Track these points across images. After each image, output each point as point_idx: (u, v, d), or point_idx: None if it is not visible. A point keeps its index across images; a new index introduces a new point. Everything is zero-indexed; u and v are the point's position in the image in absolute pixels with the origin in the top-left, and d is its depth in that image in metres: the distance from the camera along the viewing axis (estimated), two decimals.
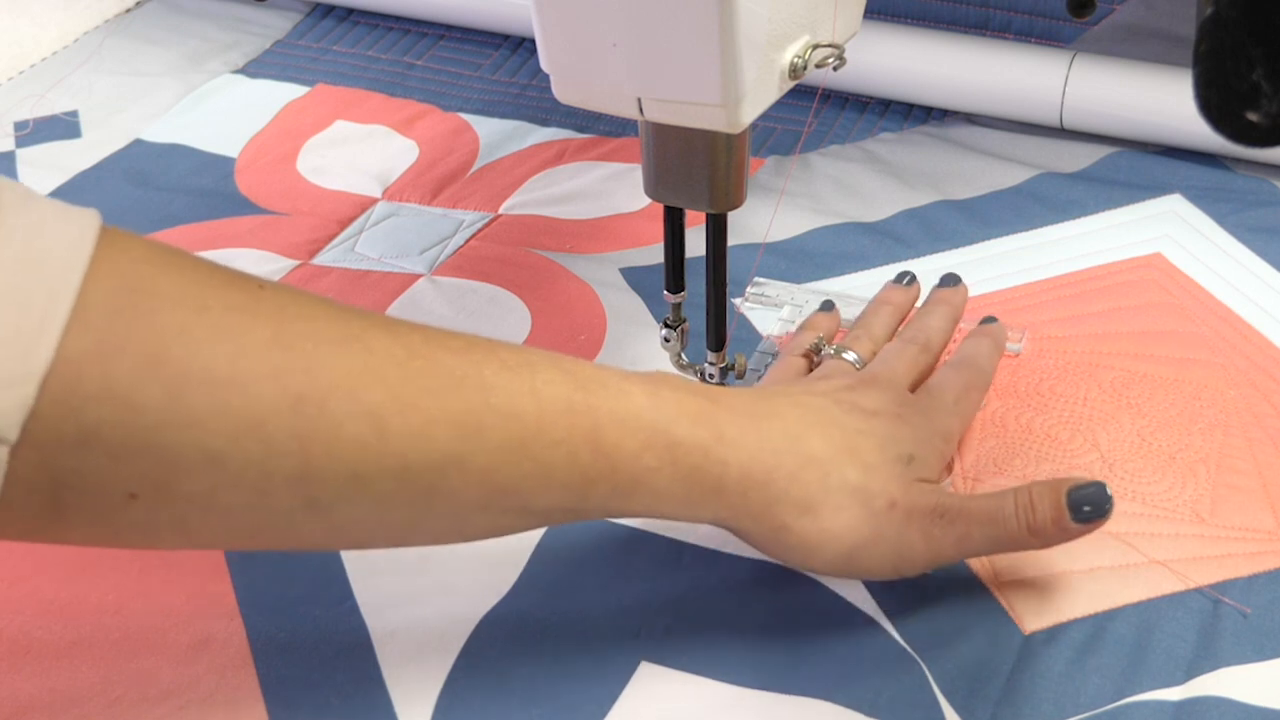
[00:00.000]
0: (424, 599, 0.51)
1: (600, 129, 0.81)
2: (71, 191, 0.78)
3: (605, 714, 0.46)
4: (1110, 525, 0.51)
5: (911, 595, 0.49)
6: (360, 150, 0.81)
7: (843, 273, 0.67)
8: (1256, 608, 0.48)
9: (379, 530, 0.43)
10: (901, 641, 0.48)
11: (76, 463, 0.36)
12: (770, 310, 0.65)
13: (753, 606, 0.49)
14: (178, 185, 0.79)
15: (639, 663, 0.47)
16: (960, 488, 0.53)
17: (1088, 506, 0.46)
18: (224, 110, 0.86)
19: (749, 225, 0.70)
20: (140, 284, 0.37)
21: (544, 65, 0.49)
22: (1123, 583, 0.49)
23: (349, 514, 0.41)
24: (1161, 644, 0.47)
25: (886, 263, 0.67)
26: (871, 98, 0.81)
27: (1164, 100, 0.72)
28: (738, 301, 0.65)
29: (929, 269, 0.67)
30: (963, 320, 0.60)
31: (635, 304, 0.66)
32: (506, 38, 0.91)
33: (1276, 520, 0.51)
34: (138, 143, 0.83)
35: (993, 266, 0.66)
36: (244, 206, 0.77)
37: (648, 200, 0.61)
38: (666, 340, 0.58)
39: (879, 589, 0.49)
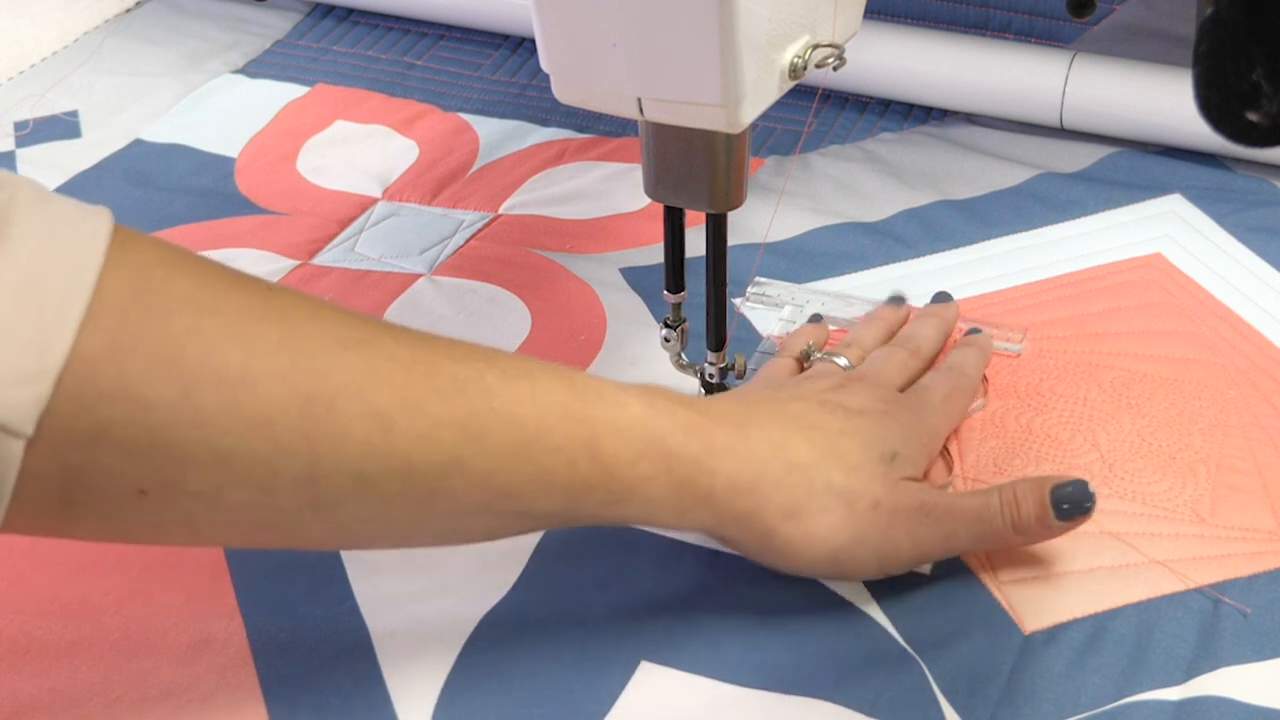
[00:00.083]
0: (424, 599, 0.51)
1: (600, 129, 0.81)
2: (71, 191, 0.78)
3: (605, 714, 0.46)
4: (1110, 525, 0.51)
5: (911, 595, 0.49)
6: (360, 150, 0.81)
7: (843, 273, 0.67)
8: (1256, 608, 0.48)
9: (381, 530, 0.43)
10: (901, 641, 0.48)
11: (88, 459, 0.37)
12: (771, 310, 0.65)
13: (753, 606, 0.49)
14: (178, 185, 0.79)
15: (639, 663, 0.47)
16: (960, 488, 0.53)
17: (1068, 505, 0.48)
18: (224, 110, 0.86)
19: (749, 225, 0.70)
20: (153, 285, 0.38)
21: (544, 65, 0.49)
22: (1123, 583, 0.49)
23: (353, 514, 0.41)
24: (1161, 644, 0.47)
25: (886, 263, 0.67)
26: (871, 98, 0.81)
27: (1164, 100, 0.72)
28: (738, 301, 0.65)
29: (929, 269, 0.67)
30: (960, 320, 0.61)
31: (635, 304, 0.66)
32: (506, 38, 0.91)
33: (1276, 520, 0.51)
34: (138, 143, 0.83)
35: (993, 266, 0.66)
36: (244, 206, 0.77)
37: (648, 200, 0.61)
38: (666, 340, 0.58)
39: (879, 589, 0.49)
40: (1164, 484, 0.53)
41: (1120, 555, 0.50)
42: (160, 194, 0.78)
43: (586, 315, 0.65)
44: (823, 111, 0.81)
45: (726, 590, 0.50)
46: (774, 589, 0.49)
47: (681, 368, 0.58)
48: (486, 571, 0.51)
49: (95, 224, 0.37)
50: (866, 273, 0.67)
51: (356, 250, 0.72)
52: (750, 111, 0.47)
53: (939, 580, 0.50)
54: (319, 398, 0.39)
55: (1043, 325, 0.62)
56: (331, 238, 0.73)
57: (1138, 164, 0.73)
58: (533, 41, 0.69)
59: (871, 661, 0.47)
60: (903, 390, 0.54)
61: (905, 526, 0.48)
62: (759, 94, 0.47)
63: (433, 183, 0.77)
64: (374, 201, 0.76)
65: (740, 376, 0.58)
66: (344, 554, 0.52)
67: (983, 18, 0.81)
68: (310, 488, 0.40)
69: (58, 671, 0.48)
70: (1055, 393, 0.58)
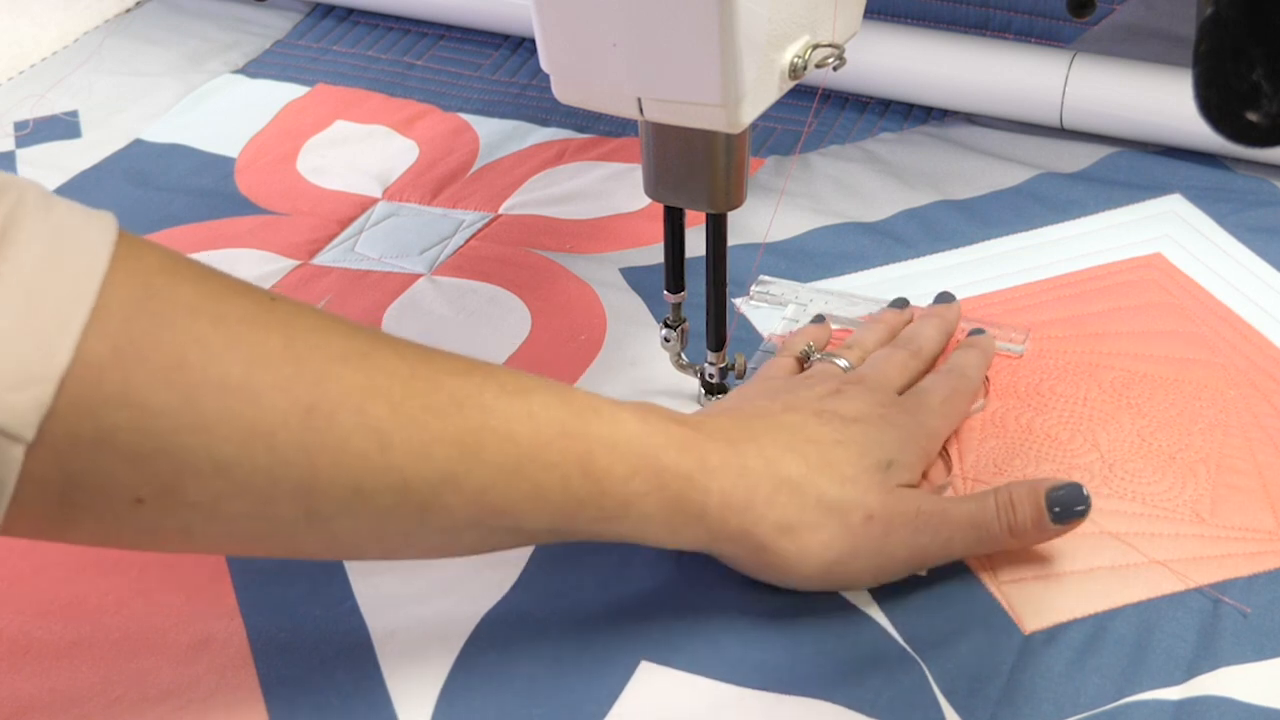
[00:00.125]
0: (424, 599, 0.51)
1: (600, 129, 0.81)
2: (71, 191, 0.78)
3: (605, 714, 0.46)
4: (1110, 525, 0.51)
5: (911, 595, 0.49)
6: (360, 150, 0.81)
7: (843, 273, 0.67)
8: (1256, 608, 0.48)
9: (374, 543, 0.43)
10: (901, 641, 0.48)
11: (89, 464, 0.37)
12: (774, 309, 0.65)
13: (753, 606, 0.49)
14: (178, 185, 0.79)
15: (639, 663, 0.47)
16: (960, 488, 0.53)
17: (1063, 508, 0.48)
18: (224, 110, 0.86)
19: (749, 225, 0.70)
20: (157, 292, 0.38)
21: (544, 65, 0.49)
22: (1123, 583, 0.49)
23: (347, 526, 0.42)
24: (1161, 644, 0.47)
25: (886, 263, 0.67)
26: (871, 98, 0.81)
27: (1164, 100, 0.72)
28: (739, 301, 0.65)
29: (929, 269, 0.67)
30: (961, 320, 0.61)
31: (635, 304, 0.66)
32: (506, 38, 0.91)
33: (1276, 520, 0.51)
34: (138, 143, 0.83)
35: (993, 266, 0.66)
36: (244, 206, 0.77)
37: (648, 200, 0.61)
38: (666, 340, 0.58)
39: (879, 589, 0.49)
40: (1164, 484, 0.53)
41: (1120, 555, 0.50)
42: (160, 194, 0.78)
43: (586, 315, 0.65)
44: (823, 111, 0.81)
45: (726, 590, 0.50)
46: (774, 589, 0.49)
47: (681, 368, 0.58)
48: (486, 571, 0.51)
49: (100, 230, 0.37)
50: (866, 273, 0.67)
51: (356, 250, 0.72)
52: (750, 111, 0.47)
53: (939, 580, 0.50)
54: (320, 409, 0.39)
55: (1043, 325, 0.62)
56: (331, 238, 0.73)
57: (1138, 164, 0.73)
58: (533, 41, 0.69)
59: (871, 661, 0.47)
60: (903, 391, 0.54)
61: (901, 535, 0.48)
62: (759, 94, 0.47)
63: (433, 183, 0.77)
64: (374, 201, 0.76)
65: (740, 376, 0.58)
66: None
67: (983, 18, 0.81)
68: (306, 499, 0.40)
69: (58, 671, 0.48)
70: (1055, 393, 0.58)
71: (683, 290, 0.56)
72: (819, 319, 0.62)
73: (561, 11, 0.47)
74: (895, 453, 0.49)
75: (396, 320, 0.66)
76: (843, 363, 0.56)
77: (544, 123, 0.82)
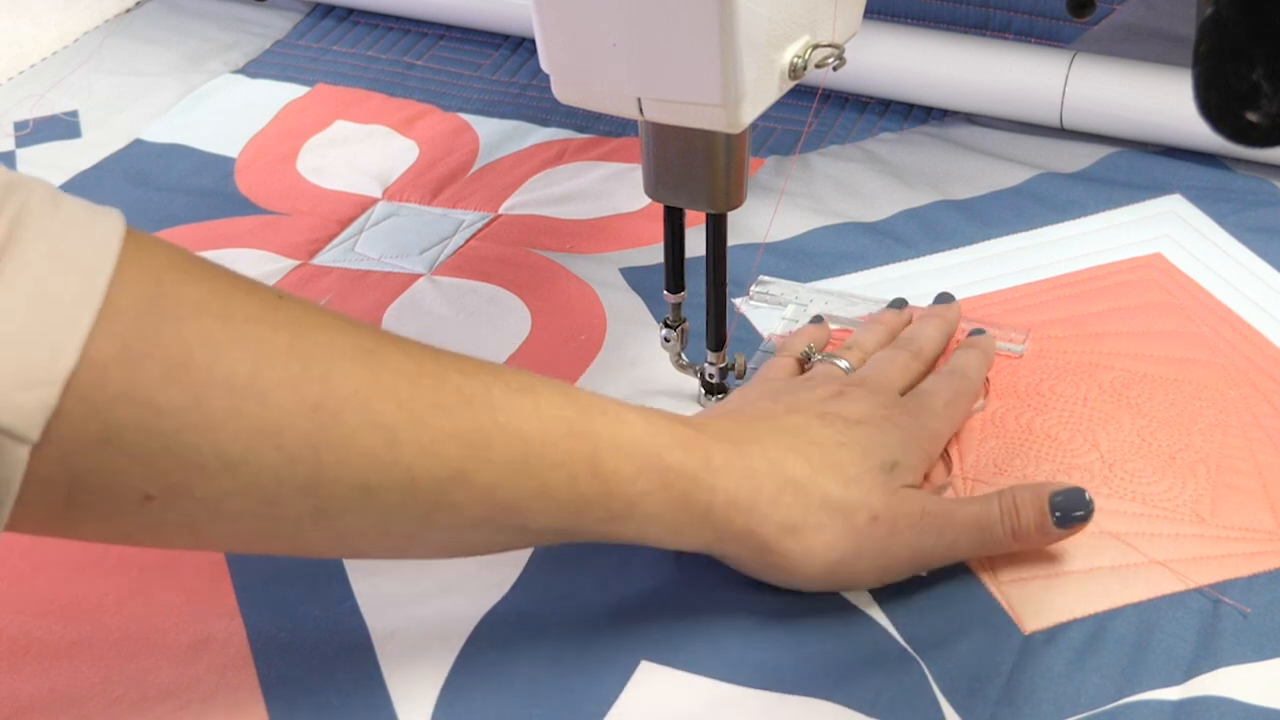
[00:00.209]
0: (424, 599, 0.51)
1: (600, 129, 0.81)
2: (71, 192, 0.77)
3: (605, 713, 0.46)
4: (1110, 525, 0.51)
5: (911, 596, 0.49)
6: (360, 150, 0.81)
7: (843, 273, 0.67)
8: (1256, 608, 0.48)
9: (381, 541, 0.43)
10: (901, 641, 0.48)
11: (95, 463, 0.37)
12: (774, 309, 0.65)
13: (753, 606, 0.49)
14: (178, 185, 0.79)
15: (639, 662, 0.47)
16: (960, 489, 0.53)
17: (1064, 512, 0.48)
18: (224, 110, 0.86)
19: (749, 225, 0.70)
20: (165, 290, 0.38)
21: (544, 65, 0.49)
22: (1123, 583, 0.49)
23: (354, 524, 0.42)
24: (1161, 644, 0.47)
25: (886, 263, 0.67)
26: (871, 98, 0.81)
27: (1164, 100, 0.72)
28: (739, 301, 0.65)
29: (929, 269, 0.67)
30: (961, 320, 0.61)
31: (635, 304, 0.66)
32: (506, 38, 0.91)
33: (1276, 520, 0.51)
34: (138, 143, 0.83)
35: (993, 266, 0.66)
36: (244, 206, 0.77)
37: (648, 200, 0.61)
38: (666, 340, 0.58)
39: (880, 589, 0.49)
40: (1164, 484, 0.53)
41: (1120, 555, 0.50)
42: (160, 194, 0.78)
43: (586, 315, 0.65)
44: (823, 111, 0.81)
45: (726, 590, 0.50)
46: (774, 589, 0.49)
47: (681, 368, 0.58)
48: (486, 571, 0.51)
49: (107, 227, 0.37)
50: (866, 273, 0.67)
51: (356, 250, 0.72)
52: (750, 111, 0.47)
53: (939, 581, 0.50)
54: (327, 407, 0.39)
55: (1043, 325, 0.62)
56: (331, 238, 0.73)
57: (1138, 164, 0.73)
58: (533, 41, 0.69)
59: (871, 661, 0.47)
60: (904, 392, 0.54)
61: (905, 537, 0.48)
62: (759, 94, 0.47)
63: (433, 183, 0.77)
64: (374, 201, 0.76)
65: (740, 376, 0.58)
66: None
67: (983, 18, 0.81)
68: (313, 497, 0.40)
69: (58, 671, 0.48)
70: (1055, 393, 0.58)
71: (683, 290, 0.56)
72: (817, 319, 0.62)
73: (561, 11, 0.47)
74: (899, 454, 0.49)
75: (396, 320, 0.66)
76: (844, 364, 0.56)
77: (544, 123, 0.82)
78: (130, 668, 0.48)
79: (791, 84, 0.49)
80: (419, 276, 0.69)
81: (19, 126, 0.85)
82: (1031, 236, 0.68)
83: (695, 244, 0.55)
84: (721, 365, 0.57)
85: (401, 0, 0.93)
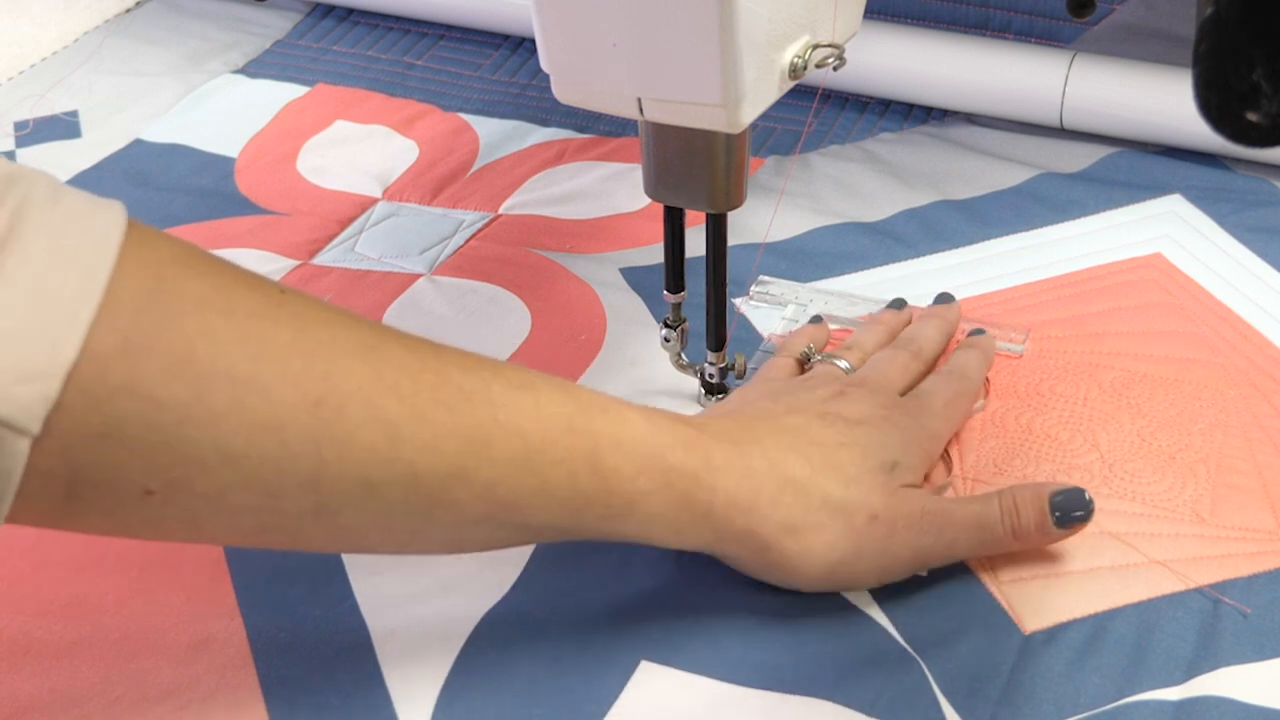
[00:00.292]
0: (424, 599, 0.51)
1: (600, 129, 0.81)
2: None
3: (605, 713, 0.46)
4: (1110, 525, 0.51)
5: (912, 595, 0.49)
6: (360, 150, 0.81)
7: (842, 273, 0.67)
8: (1256, 608, 0.48)
9: (381, 537, 0.43)
10: (901, 641, 0.48)
11: (97, 456, 0.37)
12: (774, 309, 0.65)
13: (753, 606, 0.49)
14: (178, 185, 0.79)
15: (639, 662, 0.47)
16: (960, 488, 0.53)
17: (1064, 512, 0.48)
18: (224, 110, 0.86)
19: (749, 225, 0.70)
20: (166, 284, 0.38)
21: (544, 65, 0.49)
22: (1123, 583, 0.49)
23: (355, 519, 0.42)
24: (1161, 644, 0.47)
25: (886, 263, 0.67)
26: (871, 98, 0.81)
27: (1164, 100, 0.72)
28: (739, 301, 0.65)
29: (929, 269, 0.67)
30: (961, 320, 0.61)
31: (635, 304, 0.66)
32: (506, 38, 0.91)
33: (1276, 520, 0.51)
34: (138, 143, 0.83)
35: (993, 266, 0.66)
36: (244, 206, 0.77)
37: (648, 200, 0.61)
38: (666, 340, 0.58)
39: (880, 589, 0.49)
40: (1164, 484, 0.53)
41: (1120, 555, 0.50)
42: (160, 194, 0.78)
43: (586, 315, 0.65)
44: (823, 111, 0.81)
45: (726, 590, 0.50)
46: (774, 589, 0.49)
47: (681, 368, 0.58)
48: (486, 571, 0.51)
49: (108, 220, 0.37)
50: (866, 273, 0.67)
51: (356, 250, 0.72)
52: (750, 111, 0.47)
53: (939, 580, 0.50)
54: (329, 402, 0.39)
55: (1043, 325, 0.62)
56: (331, 238, 0.73)
57: (1138, 164, 0.73)
58: (533, 41, 0.69)
59: (871, 661, 0.47)
60: (905, 393, 0.54)
61: (905, 536, 0.48)
62: (759, 94, 0.47)
63: (433, 183, 0.77)
64: (374, 201, 0.76)
65: (740, 376, 0.58)
66: (345, 554, 0.52)
67: (983, 18, 0.81)
68: (315, 492, 0.40)
69: (58, 671, 0.48)
70: (1055, 393, 0.58)
71: (683, 290, 0.56)
72: (816, 319, 0.62)
73: (561, 11, 0.47)
74: (899, 454, 0.49)
75: (396, 320, 0.66)
76: (844, 364, 0.56)
77: (544, 123, 0.82)
78: (130, 668, 0.48)
79: (791, 84, 0.49)
80: (419, 276, 0.69)
81: (19, 126, 0.85)
82: (1031, 236, 0.68)
83: (695, 244, 0.55)
84: (721, 365, 0.57)
85: (401, 0, 0.93)
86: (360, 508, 0.41)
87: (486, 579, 0.51)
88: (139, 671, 0.48)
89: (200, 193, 0.78)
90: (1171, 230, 0.68)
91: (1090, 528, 0.49)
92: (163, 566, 0.52)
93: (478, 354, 0.44)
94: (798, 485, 0.47)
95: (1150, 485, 0.53)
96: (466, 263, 0.70)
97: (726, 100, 0.46)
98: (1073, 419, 0.57)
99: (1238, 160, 0.72)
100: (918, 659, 0.47)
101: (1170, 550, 0.50)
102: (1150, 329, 0.61)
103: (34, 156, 0.82)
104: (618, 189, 0.75)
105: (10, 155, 0.82)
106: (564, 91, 0.49)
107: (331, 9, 0.97)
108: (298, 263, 0.71)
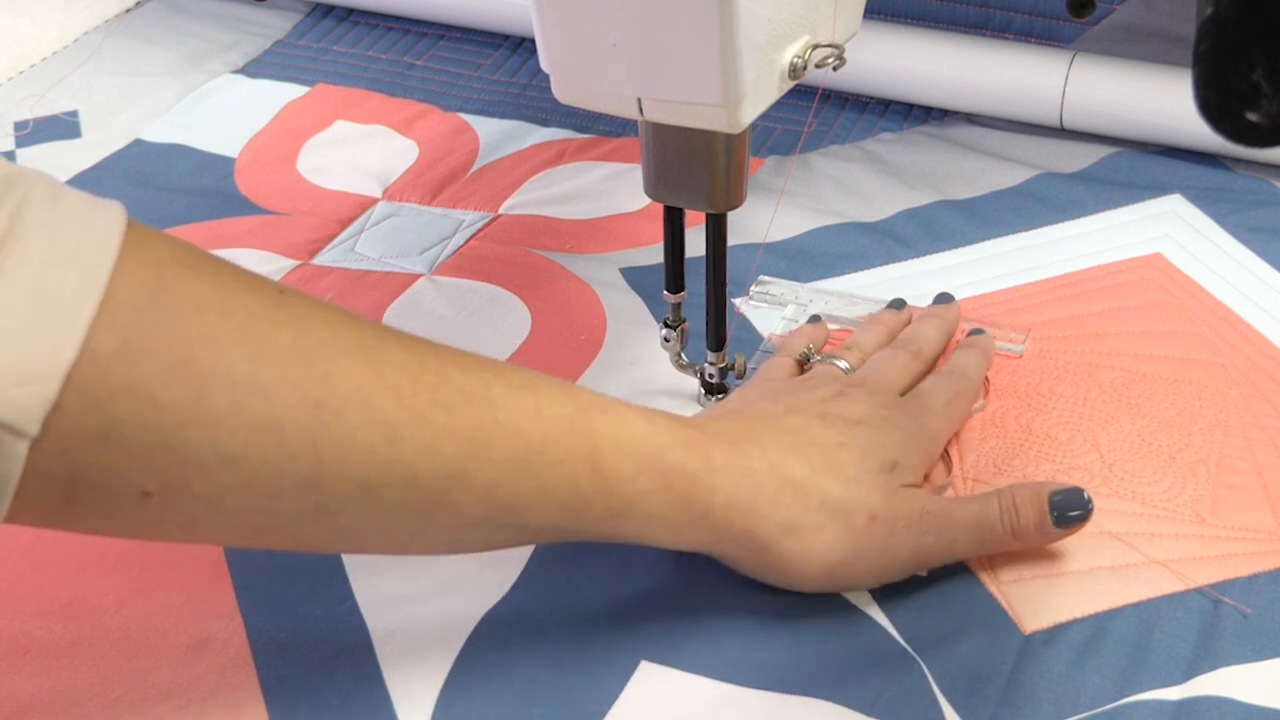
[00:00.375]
0: (424, 599, 0.51)
1: (600, 129, 0.81)
2: None
3: (605, 713, 0.46)
4: (1110, 525, 0.51)
5: (911, 595, 0.49)
6: (360, 150, 0.81)
7: (842, 273, 0.67)
8: (1256, 608, 0.48)
9: (380, 538, 0.43)
10: (901, 641, 0.48)
11: (95, 458, 0.37)
12: (774, 309, 0.65)
13: (753, 606, 0.49)
14: (178, 185, 0.79)
15: (639, 662, 0.47)
16: (960, 489, 0.53)
17: (1063, 512, 0.48)
18: (224, 110, 0.86)
19: (749, 225, 0.70)
20: (166, 285, 0.38)
21: (544, 65, 0.49)
22: (1123, 583, 0.49)
23: (354, 521, 0.41)
24: (1161, 644, 0.47)
25: (886, 263, 0.67)
26: (871, 98, 0.81)
27: (1164, 100, 0.72)
28: (739, 301, 0.65)
29: (929, 269, 0.67)
30: (961, 320, 0.61)
31: (635, 304, 0.66)
32: (506, 38, 0.91)
33: (1276, 520, 0.51)
34: (138, 143, 0.83)
35: (993, 266, 0.66)
36: (244, 206, 0.77)
37: (648, 200, 0.61)
38: (666, 340, 0.58)
39: (880, 589, 0.49)
40: (1164, 484, 0.53)
41: (1120, 555, 0.50)
42: (160, 194, 0.78)
43: (586, 315, 0.65)
44: (823, 111, 0.81)
45: (726, 590, 0.50)
46: (774, 589, 0.49)
47: (681, 368, 0.58)
48: (486, 571, 0.51)
49: (108, 221, 0.37)
50: (866, 273, 0.67)
51: (356, 250, 0.72)
52: (750, 111, 0.47)
53: (939, 580, 0.50)
54: (328, 404, 0.39)
55: (1043, 325, 0.62)
56: (331, 238, 0.73)
57: (1138, 164, 0.73)
58: (533, 41, 0.69)
59: (871, 661, 0.47)
60: (904, 393, 0.54)
61: (904, 536, 0.48)
62: (759, 94, 0.47)
63: (433, 183, 0.77)
64: (374, 201, 0.76)
65: (740, 376, 0.58)
66: (344, 554, 0.52)
67: (983, 18, 0.81)
68: (314, 494, 0.40)
69: (58, 671, 0.48)
70: (1055, 393, 0.58)
71: (683, 290, 0.56)
72: (815, 319, 0.62)
73: (561, 11, 0.47)
74: (898, 454, 0.49)
75: (396, 320, 0.66)
76: (844, 364, 0.56)
77: (544, 123, 0.82)
78: (130, 668, 0.48)
79: (791, 84, 0.49)
80: (419, 276, 0.69)
81: (19, 126, 0.85)
82: (1031, 236, 0.68)
83: (695, 244, 0.55)
84: (721, 365, 0.57)
85: (401, 0, 0.93)
86: (359, 509, 0.41)
87: (486, 579, 0.51)
88: (139, 671, 0.48)
89: (200, 193, 0.78)
90: (1171, 230, 0.68)
91: (1090, 528, 0.49)
92: (163, 566, 0.52)
93: (477, 354, 0.44)
94: (797, 486, 0.47)
95: (1150, 485, 0.53)
96: (466, 263, 0.70)
97: (726, 100, 0.46)
98: (1073, 419, 0.57)
99: (1238, 160, 0.72)
100: (918, 659, 0.47)
101: (1170, 550, 0.50)
102: (1150, 329, 0.61)
103: (34, 156, 0.82)
104: (618, 189, 0.75)
105: (10, 155, 0.82)
106: (564, 91, 0.49)
107: (331, 9, 0.97)
108: (298, 263, 0.71)
